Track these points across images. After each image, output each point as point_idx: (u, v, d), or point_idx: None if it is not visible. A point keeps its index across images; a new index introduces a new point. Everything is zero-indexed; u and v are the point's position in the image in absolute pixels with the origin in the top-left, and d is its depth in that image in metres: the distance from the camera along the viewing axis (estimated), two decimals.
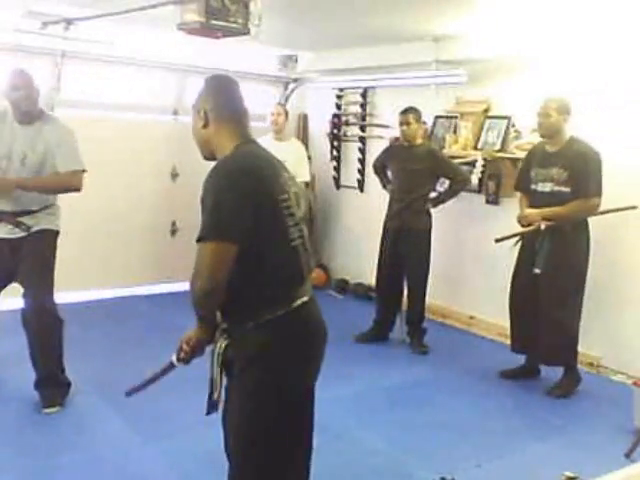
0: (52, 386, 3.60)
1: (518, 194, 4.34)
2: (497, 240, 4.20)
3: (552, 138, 4.01)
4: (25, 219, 3.50)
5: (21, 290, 3.48)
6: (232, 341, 1.99)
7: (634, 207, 4.01)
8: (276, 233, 1.92)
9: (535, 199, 4.11)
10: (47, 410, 3.51)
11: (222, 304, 1.95)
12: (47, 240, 3.57)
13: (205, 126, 2.02)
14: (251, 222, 1.84)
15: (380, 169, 5.21)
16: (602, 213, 4.00)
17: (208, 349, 2.07)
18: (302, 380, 2.05)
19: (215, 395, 2.03)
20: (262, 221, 1.87)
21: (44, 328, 3.48)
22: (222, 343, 2.00)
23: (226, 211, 1.83)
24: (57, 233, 3.62)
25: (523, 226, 4.14)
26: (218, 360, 2.01)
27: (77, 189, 3.51)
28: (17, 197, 3.47)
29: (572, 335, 4.07)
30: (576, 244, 4.01)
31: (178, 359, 2.04)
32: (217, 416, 2.11)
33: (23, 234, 3.50)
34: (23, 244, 3.50)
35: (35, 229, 3.53)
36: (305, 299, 2.00)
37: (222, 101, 2.04)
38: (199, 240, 1.83)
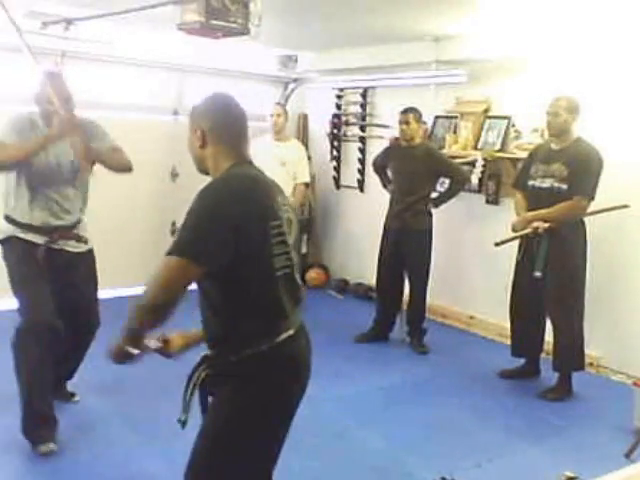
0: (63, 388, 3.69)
1: (516, 196, 4.33)
2: (497, 244, 4.19)
3: (560, 137, 4.01)
4: (80, 231, 3.42)
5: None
6: (213, 372, 1.94)
7: (626, 206, 4.01)
8: (260, 262, 1.85)
9: (533, 195, 4.10)
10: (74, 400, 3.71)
11: (207, 333, 1.93)
12: (94, 262, 3.53)
13: (202, 146, 1.95)
14: (229, 250, 1.77)
15: (380, 168, 5.21)
16: (594, 213, 3.99)
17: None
18: (283, 411, 1.99)
19: (183, 417, 1.98)
20: (245, 249, 1.80)
21: (90, 339, 3.58)
22: (202, 373, 1.95)
23: (203, 235, 1.78)
24: None
25: (516, 232, 4.13)
26: (193, 389, 1.96)
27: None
28: (68, 209, 3.34)
29: (579, 337, 4.08)
30: (573, 245, 4.01)
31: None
32: None
33: (82, 249, 3.41)
34: (80, 262, 3.41)
35: (89, 246, 3.46)
36: (291, 332, 1.92)
37: (221, 122, 1.95)
38: (169, 253, 1.77)
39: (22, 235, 3.25)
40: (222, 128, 1.94)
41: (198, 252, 1.76)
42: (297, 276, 1.99)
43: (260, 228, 1.84)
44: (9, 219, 3.27)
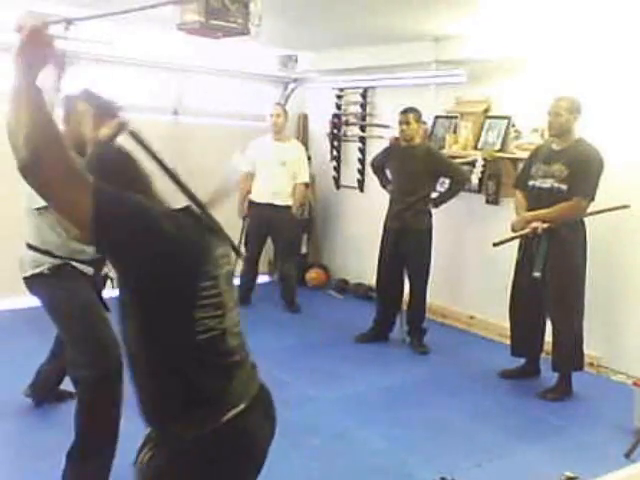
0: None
1: (516, 195, 4.33)
2: (495, 244, 4.19)
3: (561, 137, 4.01)
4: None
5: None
6: (157, 453, 1.67)
7: (626, 206, 4.01)
8: (179, 323, 1.59)
9: (533, 195, 4.10)
10: None
11: (140, 406, 1.67)
12: None
13: None
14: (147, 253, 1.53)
15: (379, 169, 5.21)
16: (594, 213, 3.99)
17: None
18: None
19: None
20: (160, 284, 1.55)
21: None
22: (146, 455, 1.68)
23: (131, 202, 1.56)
24: None
25: (515, 232, 4.13)
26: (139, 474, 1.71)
27: None
28: None
29: (579, 337, 4.08)
30: (573, 245, 4.01)
31: None
32: None
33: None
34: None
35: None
36: (241, 407, 1.64)
37: (116, 171, 1.69)
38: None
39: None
40: (117, 174, 1.67)
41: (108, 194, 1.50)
42: (233, 338, 1.70)
43: (184, 286, 1.59)
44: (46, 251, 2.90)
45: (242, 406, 1.65)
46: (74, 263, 2.89)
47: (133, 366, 1.66)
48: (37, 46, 1.63)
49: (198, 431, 1.60)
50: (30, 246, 2.91)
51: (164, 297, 1.57)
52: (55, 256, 2.85)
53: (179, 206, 1.73)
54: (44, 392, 3.59)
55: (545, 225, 3.95)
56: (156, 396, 1.66)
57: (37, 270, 2.87)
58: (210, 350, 1.63)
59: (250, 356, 1.80)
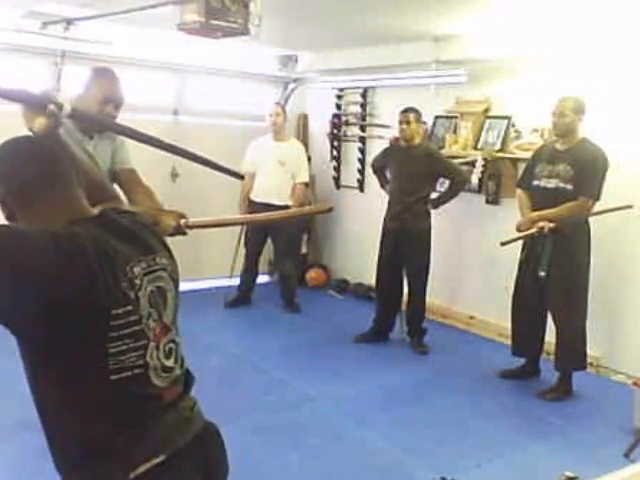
0: None
1: (518, 195, 4.32)
2: (502, 243, 4.18)
3: (566, 137, 4.00)
4: None
5: None
6: None
7: (630, 206, 4.01)
8: (90, 362, 1.33)
9: (537, 195, 4.10)
10: None
11: (52, 456, 1.44)
12: None
13: (10, 218, 1.43)
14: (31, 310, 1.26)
15: (379, 169, 5.21)
16: (598, 213, 4.00)
17: None
18: None
19: None
20: (60, 332, 1.29)
21: None
22: None
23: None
24: None
25: (521, 232, 4.13)
26: None
27: None
28: None
29: (582, 337, 4.08)
30: (577, 245, 4.01)
31: None
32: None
33: None
34: None
35: None
36: (158, 460, 1.37)
37: (24, 178, 1.40)
38: None
39: None
40: (24, 183, 1.40)
41: None
42: (160, 375, 1.42)
43: (91, 319, 1.32)
44: None
45: (160, 458, 1.38)
46: None
47: (38, 410, 1.41)
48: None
49: None
50: None
51: (66, 335, 1.30)
52: None
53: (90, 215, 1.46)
54: None
55: (551, 225, 3.95)
56: (58, 443, 1.42)
57: None
58: (124, 393, 1.36)
59: (189, 393, 1.54)
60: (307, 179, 5.94)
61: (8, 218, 1.43)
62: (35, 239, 1.29)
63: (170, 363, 1.46)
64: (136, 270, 1.41)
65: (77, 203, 1.44)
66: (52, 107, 1.54)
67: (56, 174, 1.42)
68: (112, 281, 1.34)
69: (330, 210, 2.60)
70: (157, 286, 1.45)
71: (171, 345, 1.47)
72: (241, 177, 2.47)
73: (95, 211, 1.48)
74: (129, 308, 1.36)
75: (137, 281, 1.40)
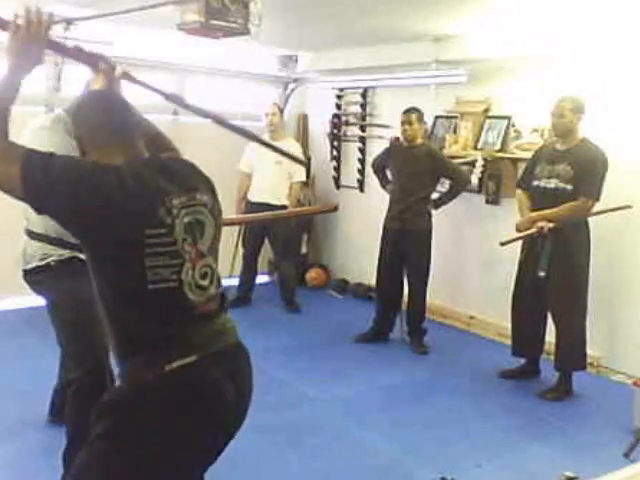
0: None
1: (518, 195, 4.32)
2: (502, 243, 4.18)
3: (565, 137, 4.00)
4: None
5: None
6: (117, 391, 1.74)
7: (629, 206, 4.01)
8: (126, 269, 1.61)
9: (537, 196, 4.10)
10: None
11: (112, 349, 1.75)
12: None
13: (83, 154, 1.76)
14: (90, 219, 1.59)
15: (379, 169, 5.20)
16: (598, 213, 4.00)
17: None
18: (178, 462, 1.64)
19: None
20: (102, 236, 1.60)
21: None
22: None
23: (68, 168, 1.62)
24: None
25: (520, 232, 4.13)
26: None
27: None
28: None
29: (582, 337, 4.08)
30: (577, 245, 4.01)
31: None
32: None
33: None
34: None
35: None
36: (189, 360, 1.59)
37: (92, 123, 1.74)
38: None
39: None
40: (95, 129, 1.74)
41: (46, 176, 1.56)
42: (194, 291, 1.67)
43: (129, 233, 1.60)
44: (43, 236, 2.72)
45: (191, 358, 1.60)
46: (81, 255, 2.63)
47: (104, 309, 1.68)
48: (28, 43, 1.73)
49: (138, 378, 1.60)
50: (37, 236, 2.72)
51: (111, 245, 1.59)
52: (66, 245, 2.65)
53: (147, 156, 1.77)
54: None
55: (551, 225, 3.95)
56: (113, 337, 1.69)
57: (43, 262, 2.71)
58: (162, 300, 1.61)
59: (225, 312, 1.78)
60: (304, 178, 5.93)
61: (83, 153, 1.74)
62: (86, 165, 1.64)
63: (205, 283, 1.69)
64: (175, 202, 1.65)
65: (133, 148, 1.73)
66: (103, 65, 1.88)
67: (120, 123, 1.74)
68: (148, 206, 1.61)
69: (336, 209, 2.65)
70: (196, 218, 1.70)
71: (206, 269, 1.70)
72: (305, 163, 2.47)
73: (147, 155, 1.77)
74: (162, 231, 1.60)
75: (175, 211, 1.64)
